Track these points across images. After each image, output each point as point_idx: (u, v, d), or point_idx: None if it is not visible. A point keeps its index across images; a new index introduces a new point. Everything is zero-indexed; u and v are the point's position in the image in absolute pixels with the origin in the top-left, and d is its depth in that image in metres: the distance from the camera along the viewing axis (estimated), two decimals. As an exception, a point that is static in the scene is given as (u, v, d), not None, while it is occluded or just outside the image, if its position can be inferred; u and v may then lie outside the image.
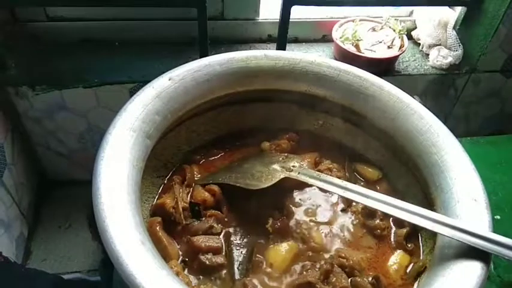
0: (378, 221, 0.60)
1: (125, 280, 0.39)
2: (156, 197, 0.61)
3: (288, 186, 0.62)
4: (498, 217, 0.72)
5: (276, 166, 0.62)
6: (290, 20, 0.88)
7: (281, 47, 0.91)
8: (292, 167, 0.61)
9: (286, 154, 0.65)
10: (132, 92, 0.89)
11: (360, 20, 1.01)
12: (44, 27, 0.92)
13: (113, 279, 0.63)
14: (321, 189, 0.61)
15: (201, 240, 0.54)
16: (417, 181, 0.61)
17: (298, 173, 0.59)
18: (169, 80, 0.59)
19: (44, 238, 1.00)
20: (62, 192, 1.06)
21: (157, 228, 0.55)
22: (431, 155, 0.57)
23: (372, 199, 0.53)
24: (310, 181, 0.58)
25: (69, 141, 0.97)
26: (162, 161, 0.63)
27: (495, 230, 0.49)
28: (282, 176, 0.59)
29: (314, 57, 0.68)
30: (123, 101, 0.56)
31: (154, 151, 0.57)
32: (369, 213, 0.61)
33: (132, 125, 0.52)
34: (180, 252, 0.54)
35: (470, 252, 0.46)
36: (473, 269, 0.45)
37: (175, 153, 0.65)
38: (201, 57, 0.65)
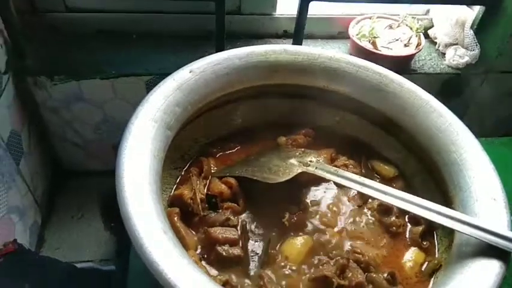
0: (393, 218, 0.60)
1: (148, 267, 0.40)
2: (174, 187, 0.62)
3: (305, 181, 0.63)
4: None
5: (293, 161, 0.62)
6: (307, 16, 0.88)
7: (297, 42, 0.91)
8: (309, 162, 0.61)
9: (303, 149, 0.66)
10: (148, 85, 0.90)
11: (377, 18, 1.00)
12: (62, 18, 0.93)
13: (128, 269, 0.64)
14: (338, 185, 0.61)
15: (218, 232, 0.55)
16: (434, 179, 0.61)
17: (316, 168, 0.60)
18: (190, 72, 0.59)
19: (57, 227, 1.01)
20: (76, 182, 1.07)
21: (175, 218, 0.55)
22: (450, 153, 0.57)
23: (389, 195, 0.53)
24: (328, 176, 0.58)
25: (85, 131, 0.98)
26: (179, 153, 0.63)
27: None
28: (299, 171, 0.59)
29: (333, 52, 0.68)
30: (140, 93, 0.57)
31: (173, 142, 0.57)
32: (385, 210, 0.61)
33: (153, 115, 0.53)
34: (198, 243, 0.55)
35: (488, 251, 0.46)
36: (492, 267, 0.45)
37: (192, 145, 0.66)
38: (217, 51, 0.66)
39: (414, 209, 0.51)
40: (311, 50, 0.68)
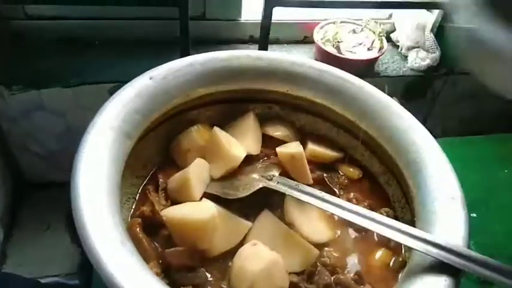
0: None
1: (105, 281, 0.39)
2: (137, 197, 0.60)
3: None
4: (474, 215, 0.74)
5: (255, 175, 0.61)
6: (272, 21, 0.88)
7: (263, 47, 0.91)
8: (272, 176, 0.60)
9: (267, 162, 0.65)
10: (112, 92, 0.86)
11: (341, 22, 1.02)
12: (22, 26, 0.91)
13: (92, 282, 0.62)
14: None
15: (173, 255, 0.51)
16: (397, 179, 0.62)
17: (277, 182, 0.59)
18: (150, 79, 0.58)
19: (20, 242, 0.98)
20: (39, 195, 1.03)
21: (137, 229, 0.54)
22: (409, 154, 0.58)
23: (348, 211, 0.53)
24: (288, 191, 0.57)
25: (47, 142, 0.95)
26: (141, 162, 0.62)
27: (472, 227, 0.50)
28: (260, 186, 0.59)
29: (296, 57, 0.68)
30: (103, 101, 0.55)
31: (133, 151, 0.56)
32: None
33: (111, 124, 0.51)
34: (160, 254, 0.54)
35: (441, 267, 0.46)
36: (441, 285, 0.44)
37: (155, 153, 0.64)
38: (181, 57, 0.65)
39: (371, 226, 0.51)
40: (274, 55, 0.68)
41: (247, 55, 0.67)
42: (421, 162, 0.56)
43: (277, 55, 0.68)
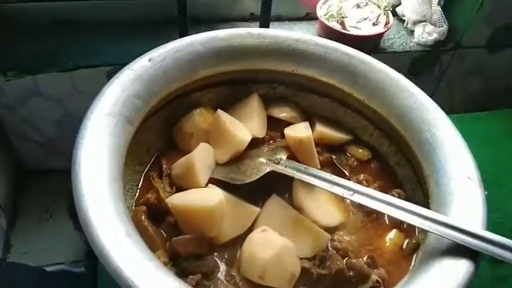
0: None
1: (111, 274, 0.37)
2: (140, 184, 0.58)
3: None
4: (486, 193, 0.73)
5: (262, 159, 0.59)
6: (273, -3, 0.85)
7: (264, 25, 0.88)
8: (279, 159, 0.58)
9: (274, 145, 0.63)
10: (110, 75, 0.83)
11: (345, -4, 0.98)
12: (14, 9, 0.87)
13: (98, 270, 0.61)
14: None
15: (181, 243, 0.50)
16: (408, 159, 0.60)
17: (285, 166, 0.57)
18: (149, 61, 0.56)
19: (24, 230, 0.97)
20: (41, 182, 1.01)
21: (143, 217, 0.52)
22: (422, 132, 0.56)
23: (359, 194, 0.51)
24: (297, 175, 0.56)
25: (45, 128, 0.93)
26: (144, 147, 0.60)
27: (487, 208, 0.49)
28: (267, 170, 0.57)
29: (300, 35, 0.65)
30: (101, 85, 0.53)
31: (135, 137, 0.54)
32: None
33: (111, 109, 0.49)
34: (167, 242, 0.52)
35: (458, 249, 0.44)
36: (460, 268, 0.43)
37: (157, 138, 0.62)
38: (180, 37, 0.62)
39: (383, 208, 0.50)
40: (277, 33, 0.65)
41: (248, 33, 0.64)
42: (434, 142, 0.54)
43: (281, 32, 0.65)
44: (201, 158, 0.57)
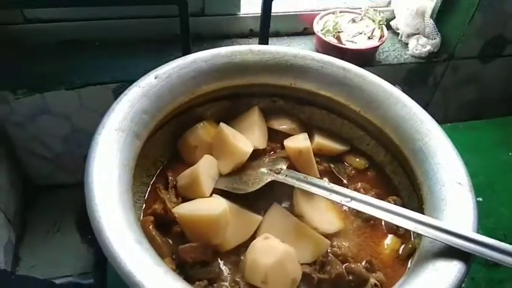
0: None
1: (124, 279, 0.40)
2: (146, 195, 0.61)
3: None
4: (480, 199, 0.75)
5: (263, 169, 0.62)
6: (271, 14, 0.88)
7: (263, 41, 0.91)
8: (280, 169, 0.61)
9: (274, 156, 0.66)
10: (116, 92, 0.88)
11: (340, 12, 1.02)
12: (22, 30, 0.91)
13: (107, 281, 0.63)
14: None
15: (187, 251, 0.52)
16: (403, 168, 0.63)
17: (286, 175, 0.60)
18: (156, 78, 0.59)
19: (32, 244, 0.99)
20: (48, 197, 1.04)
21: (150, 227, 0.55)
22: (415, 142, 0.59)
23: (357, 201, 0.54)
24: (297, 184, 0.58)
25: (53, 144, 0.96)
26: (151, 160, 0.63)
27: (479, 212, 0.51)
28: (268, 180, 0.59)
29: (298, 50, 0.69)
30: (107, 101, 0.56)
31: (143, 150, 0.57)
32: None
33: (120, 125, 0.52)
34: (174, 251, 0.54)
35: (451, 252, 0.47)
36: (452, 269, 0.45)
37: (164, 151, 0.65)
38: (183, 54, 0.65)
39: (380, 214, 0.52)
40: (276, 49, 0.68)
41: (249, 50, 0.67)
42: (427, 150, 0.57)
43: (279, 49, 0.69)
44: (205, 169, 0.59)
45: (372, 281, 0.53)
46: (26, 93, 0.85)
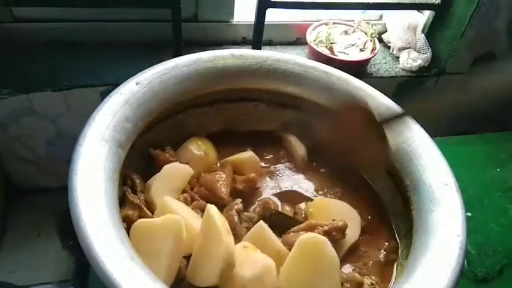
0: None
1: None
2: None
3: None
4: (469, 214, 0.74)
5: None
6: (264, 23, 0.88)
7: (256, 49, 0.91)
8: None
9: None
10: (104, 96, 0.86)
11: (333, 24, 1.02)
12: (10, 28, 0.89)
13: (88, 289, 0.61)
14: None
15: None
16: (388, 171, 0.63)
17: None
18: (137, 84, 0.57)
19: (11, 249, 0.96)
20: (30, 200, 1.01)
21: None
22: (399, 144, 0.59)
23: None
24: None
25: (37, 147, 0.93)
26: (132, 168, 0.60)
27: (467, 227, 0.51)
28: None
29: (280, 55, 0.68)
30: (95, 104, 0.54)
31: (125, 160, 0.54)
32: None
33: (103, 134, 0.50)
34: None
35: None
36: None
37: (143, 160, 0.62)
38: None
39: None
40: (259, 53, 0.68)
41: (231, 54, 0.66)
42: (412, 152, 0.58)
43: (262, 53, 0.68)
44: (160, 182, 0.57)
45: (367, 281, 0.53)
46: (12, 93, 0.83)
